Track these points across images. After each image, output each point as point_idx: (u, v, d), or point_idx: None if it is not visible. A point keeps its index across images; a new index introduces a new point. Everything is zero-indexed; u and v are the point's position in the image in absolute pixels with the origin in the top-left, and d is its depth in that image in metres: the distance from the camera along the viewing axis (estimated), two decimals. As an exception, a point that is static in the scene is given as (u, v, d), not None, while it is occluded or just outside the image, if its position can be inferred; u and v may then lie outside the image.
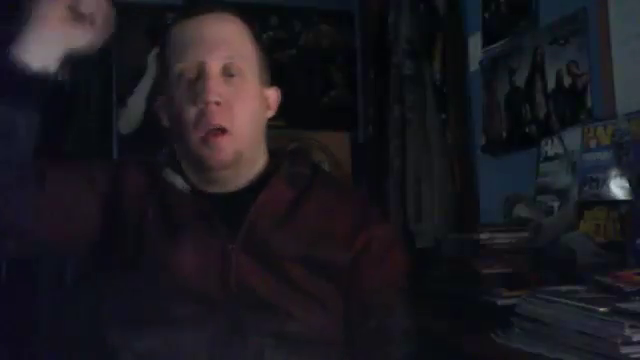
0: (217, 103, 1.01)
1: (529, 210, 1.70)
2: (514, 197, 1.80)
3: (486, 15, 2.16)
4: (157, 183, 1.08)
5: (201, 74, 1.02)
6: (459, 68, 2.32)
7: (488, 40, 2.15)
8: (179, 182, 1.08)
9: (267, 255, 1.02)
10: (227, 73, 1.04)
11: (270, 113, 1.13)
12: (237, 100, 1.03)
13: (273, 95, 1.14)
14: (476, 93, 2.23)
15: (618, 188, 1.41)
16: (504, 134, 2.06)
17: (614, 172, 1.42)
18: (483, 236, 1.50)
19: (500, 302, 1.31)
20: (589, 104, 1.68)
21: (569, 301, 1.02)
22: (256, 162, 1.11)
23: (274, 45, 3.11)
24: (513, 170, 1.99)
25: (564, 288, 1.10)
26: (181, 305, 0.99)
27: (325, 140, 3.12)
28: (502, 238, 1.50)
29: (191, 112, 1.02)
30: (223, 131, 1.01)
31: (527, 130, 1.93)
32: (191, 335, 0.97)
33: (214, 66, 1.03)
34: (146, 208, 1.05)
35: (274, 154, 1.15)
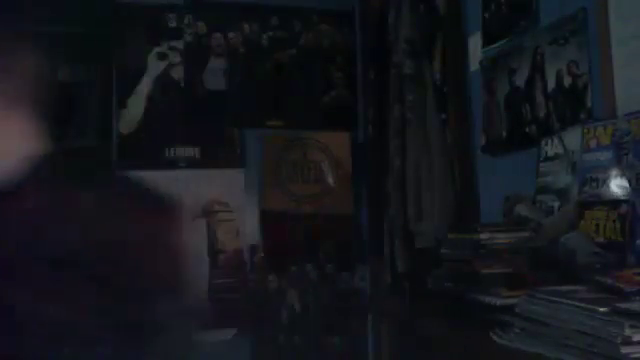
0: None
1: (529, 210, 1.70)
2: (514, 197, 1.80)
3: (486, 15, 2.16)
4: None
5: None
6: (459, 68, 2.32)
7: (488, 40, 2.15)
8: None
9: None
10: None
11: None
12: None
13: None
14: (476, 93, 2.23)
15: (618, 188, 1.40)
16: (504, 134, 2.06)
17: (614, 172, 1.42)
18: (483, 236, 1.50)
19: (500, 302, 1.31)
20: (589, 104, 1.68)
21: (569, 301, 1.02)
22: None
23: (274, 45, 3.11)
24: (513, 170, 1.99)
25: (564, 288, 1.10)
26: None
27: (325, 140, 3.13)
28: (502, 238, 1.50)
29: None
30: None
31: (527, 130, 1.93)
32: None
33: None
34: None
35: None
